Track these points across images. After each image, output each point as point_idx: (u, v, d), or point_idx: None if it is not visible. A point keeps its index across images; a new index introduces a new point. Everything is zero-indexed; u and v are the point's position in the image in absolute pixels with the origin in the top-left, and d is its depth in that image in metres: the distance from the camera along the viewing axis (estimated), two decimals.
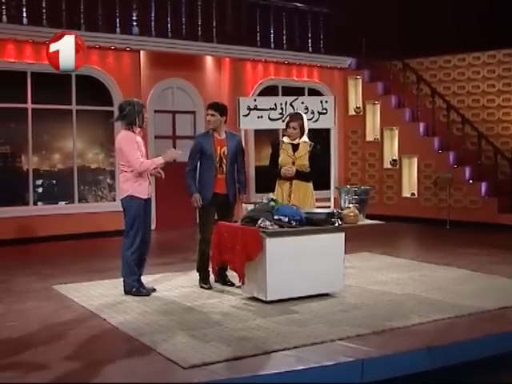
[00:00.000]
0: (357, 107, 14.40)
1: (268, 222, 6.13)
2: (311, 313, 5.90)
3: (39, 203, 11.15)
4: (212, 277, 6.98)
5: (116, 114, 7.03)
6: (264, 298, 6.21)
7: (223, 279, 7.03)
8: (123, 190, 6.68)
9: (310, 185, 7.04)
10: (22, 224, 10.66)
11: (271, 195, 6.51)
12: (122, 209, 6.75)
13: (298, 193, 6.87)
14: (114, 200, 11.73)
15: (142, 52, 12.03)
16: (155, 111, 12.54)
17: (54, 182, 11.34)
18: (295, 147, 6.98)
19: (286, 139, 7.05)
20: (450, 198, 12.56)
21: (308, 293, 6.38)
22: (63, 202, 11.37)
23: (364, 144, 14.30)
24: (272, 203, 6.32)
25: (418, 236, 12.03)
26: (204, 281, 6.93)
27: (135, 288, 6.68)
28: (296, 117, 7.10)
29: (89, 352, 4.87)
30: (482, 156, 12.86)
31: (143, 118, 6.67)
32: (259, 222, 6.15)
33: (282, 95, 13.21)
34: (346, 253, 9.17)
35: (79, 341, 5.15)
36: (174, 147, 12.64)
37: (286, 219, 6.17)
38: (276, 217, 6.17)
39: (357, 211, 6.54)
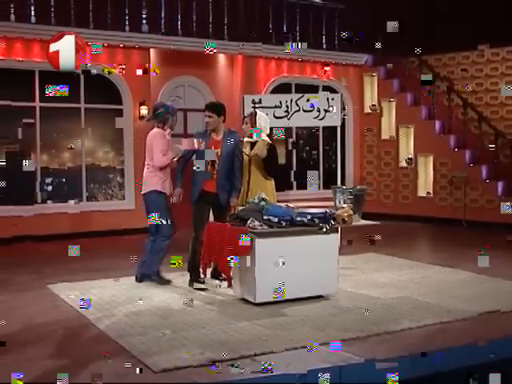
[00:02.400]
0: (372, 105, 14.15)
1: (257, 223, 6.00)
2: (299, 316, 5.76)
3: (48, 202, 11.17)
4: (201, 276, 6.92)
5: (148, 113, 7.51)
6: (253, 300, 6.09)
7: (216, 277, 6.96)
8: (149, 184, 7.01)
9: (271, 182, 7.00)
10: (30, 222, 10.68)
11: (263, 195, 6.37)
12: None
13: (256, 190, 6.76)
14: (124, 198, 11.76)
15: (152, 50, 11.97)
16: None
17: (63, 180, 11.37)
18: (253, 145, 7.03)
19: (245, 138, 7.15)
20: (465, 198, 12.27)
21: (300, 295, 6.24)
22: (72, 201, 11.37)
23: (379, 142, 14.05)
24: (262, 203, 6.19)
25: (431, 236, 11.77)
26: (195, 281, 6.82)
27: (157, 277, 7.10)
28: (249, 114, 7.27)
29: (62, 353, 4.81)
30: (500, 155, 12.54)
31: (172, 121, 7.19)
32: (248, 222, 6.03)
33: (296, 93, 13.03)
34: (351, 253, 9.14)
35: (57, 342, 5.10)
36: None
37: (276, 219, 6.03)
38: (265, 217, 6.04)
39: (351, 211, 6.36)
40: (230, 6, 12.58)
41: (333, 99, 9.57)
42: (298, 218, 6.13)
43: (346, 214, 6.30)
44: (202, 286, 6.79)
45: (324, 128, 13.47)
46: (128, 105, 11.62)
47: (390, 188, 13.79)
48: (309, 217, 6.20)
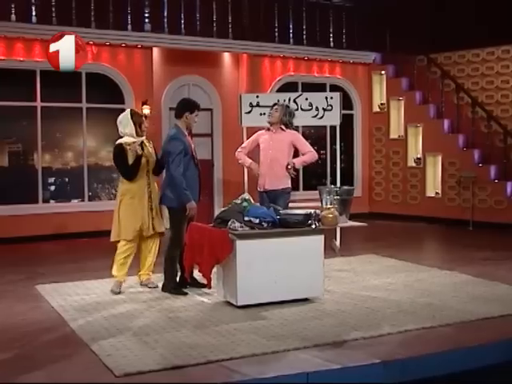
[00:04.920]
0: (381, 104, 13.94)
1: (238, 224, 5.88)
2: (280, 319, 5.62)
3: (51, 201, 11.20)
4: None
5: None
6: (235, 303, 5.97)
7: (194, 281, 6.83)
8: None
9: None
10: (32, 222, 10.68)
11: (246, 195, 6.26)
12: None
13: None
14: None
15: (155, 49, 11.92)
16: (170, 108, 12.38)
17: (65, 180, 11.39)
18: None
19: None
20: (473, 198, 12.02)
21: (283, 298, 6.09)
22: (76, 200, 11.37)
23: (388, 141, 13.84)
24: (244, 204, 6.07)
25: (437, 237, 11.54)
26: (176, 288, 6.67)
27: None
28: None
29: (27, 355, 4.75)
30: (510, 154, 12.25)
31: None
32: (229, 223, 5.91)
33: (302, 92, 12.87)
34: (350, 254, 8.98)
35: (26, 343, 5.04)
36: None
37: (257, 220, 5.91)
38: (246, 218, 5.91)
39: (336, 212, 6.22)
40: (235, 4, 12.45)
41: (332, 98, 9.40)
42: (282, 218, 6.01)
43: (330, 216, 6.15)
44: (184, 291, 6.65)
45: (331, 127, 13.27)
46: (130, 104, 11.52)
47: (398, 188, 13.59)
48: (293, 218, 6.07)
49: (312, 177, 13.60)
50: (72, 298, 6.57)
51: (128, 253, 6.77)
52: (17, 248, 9.99)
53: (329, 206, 6.21)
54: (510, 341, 5.08)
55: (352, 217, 12.28)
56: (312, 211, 6.13)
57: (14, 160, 11.05)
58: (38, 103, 10.87)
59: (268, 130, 7.38)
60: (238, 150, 7.54)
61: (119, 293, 6.64)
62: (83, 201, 11.35)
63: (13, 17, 10.55)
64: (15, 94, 10.76)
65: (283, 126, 7.28)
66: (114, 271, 6.78)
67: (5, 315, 5.91)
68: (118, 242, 6.84)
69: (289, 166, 7.08)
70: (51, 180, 11.24)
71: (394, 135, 13.76)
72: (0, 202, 10.63)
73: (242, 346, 4.86)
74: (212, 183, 12.70)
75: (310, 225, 6.08)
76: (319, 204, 6.95)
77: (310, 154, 7.26)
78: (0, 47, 10.56)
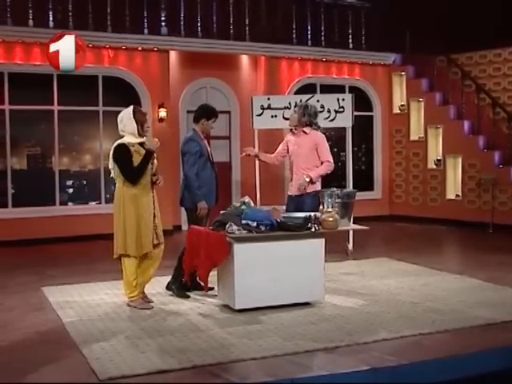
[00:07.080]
0: (401, 105, 13.78)
1: (235, 227, 5.85)
2: (275, 324, 5.57)
3: (69, 203, 11.34)
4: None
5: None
6: (233, 307, 5.95)
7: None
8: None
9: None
10: (49, 224, 10.81)
11: (246, 198, 6.22)
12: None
13: None
14: None
15: (171, 52, 11.97)
16: (188, 111, 12.44)
17: (82, 182, 11.52)
18: None
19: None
20: (493, 201, 11.78)
21: (282, 302, 6.04)
22: (93, 203, 11.49)
23: (408, 143, 13.66)
24: (243, 207, 6.04)
25: (455, 240, 11.34)
26: (179, 289, 6.69)
27: None
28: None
29: (18, 356, 4.80)
30: None
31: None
32: (227, 226, 5.89)
33: (321, 94, 12.79)
34: (363, 257, 8.89)
35: (19, 345, 5.09)
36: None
37: (254, 224, 5.87)
38: (244, 221, 5.88)
39: (337, 216, 6.14)
40: (252, 6, 12.43)
41: (343, 100, 9.31)
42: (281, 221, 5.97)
43: (330, 219, 6.09)
44: (186, 293, 6.65)
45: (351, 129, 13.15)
46: (147, 107, 11.57)
47: (418, 190, 13.41)
48: (293, 221, 6.03)
49: (332, 179, 13.47)
50: (75, 300, 6.61)
51: (137, 271, 6.21)
52: (33, 250, 10.13)
53: (329, 210, 6.12)
54: (508, 348, 4.94)
55: (372, 219, 12.23)
56: (312, 214, 6.08)
57: (32, 163, 11.24)
58: (55, 107, 11.01)
59: (292, 132, 7.28)
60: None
61: (152, 307, 6.20)
62: (100, 203, 11.45)
63: (30, 22, 10.70)
64: (33, 98, 10.92)
65: (306, 129, 7.10)
66: (131, 293, 6.21)
67: (5, 317, 5.97)
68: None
69: (307, 179, 6.93)
70: (69, 182, 11.40)
71: (414, 137, 13.58)
72: (19, 205, 10.82)
73: (232, 351, 4.83)
74: (230, 185, 12.72)
75: (310, 228, 6.02)
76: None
77: (326, 164, 7.04)
78: (18, 52, 10.74)
